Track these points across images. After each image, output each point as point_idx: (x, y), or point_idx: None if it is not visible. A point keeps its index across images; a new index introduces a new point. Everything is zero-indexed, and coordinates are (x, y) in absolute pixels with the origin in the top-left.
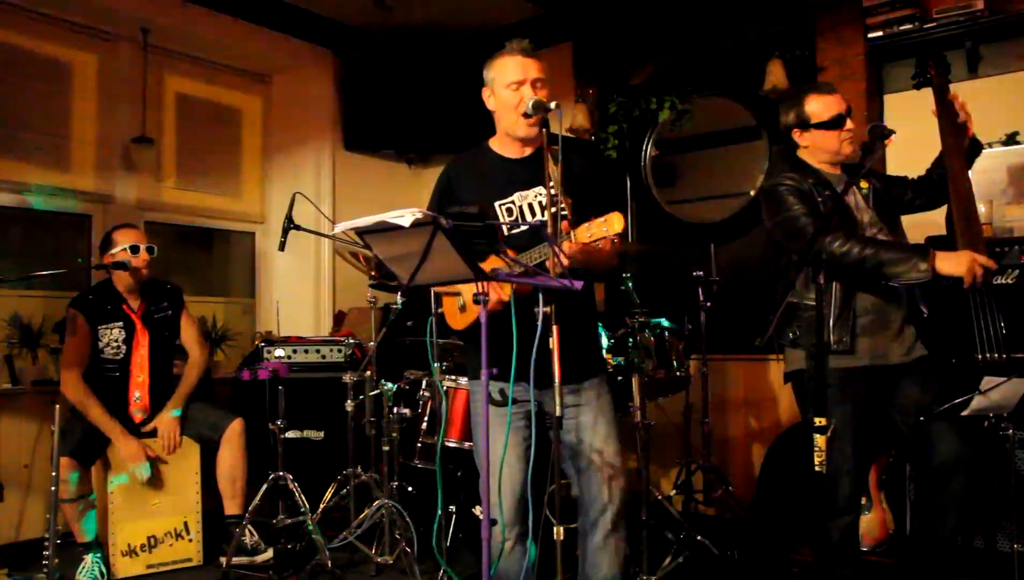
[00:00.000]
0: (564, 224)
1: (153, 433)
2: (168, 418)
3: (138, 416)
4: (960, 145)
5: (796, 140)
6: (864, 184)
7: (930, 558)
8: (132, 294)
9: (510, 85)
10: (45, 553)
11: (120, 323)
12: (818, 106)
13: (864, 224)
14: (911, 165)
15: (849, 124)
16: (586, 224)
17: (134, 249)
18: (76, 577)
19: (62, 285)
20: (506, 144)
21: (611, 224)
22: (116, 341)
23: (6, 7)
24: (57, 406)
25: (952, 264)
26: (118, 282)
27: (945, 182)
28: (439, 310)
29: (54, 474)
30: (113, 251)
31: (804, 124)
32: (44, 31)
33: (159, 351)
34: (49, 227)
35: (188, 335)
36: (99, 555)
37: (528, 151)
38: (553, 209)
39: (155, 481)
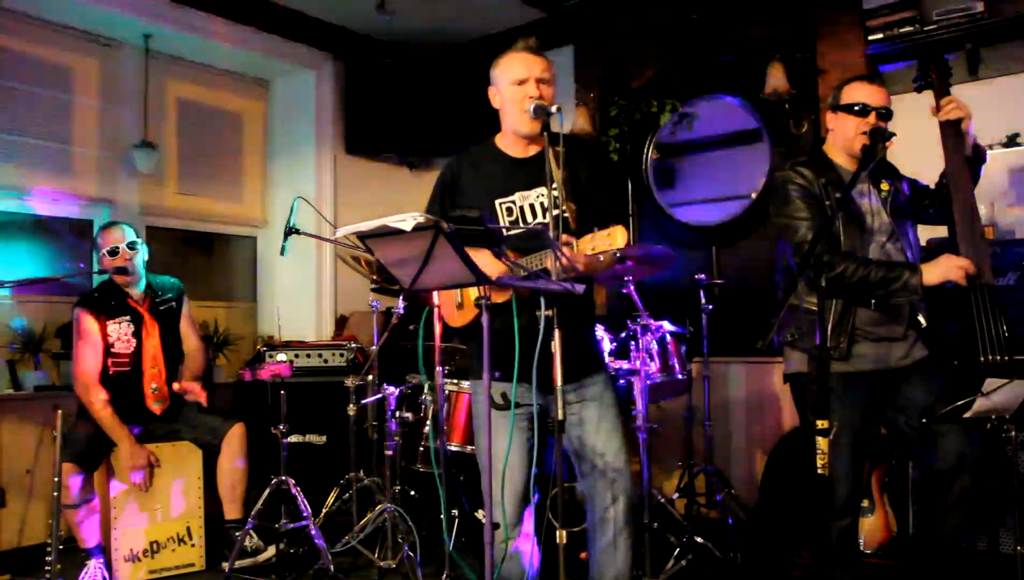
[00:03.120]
0: (564, 236)
1: (155, 437)
2: (195, 386)
3: (157, 407)
4: (960, 147)
5: (827, 123)
6: (885, 186)
7: (934, 559)
8: (134, 289)
9: (514, 82)
10: (48, 558)
11: (128, 317)
12: (853, 90)
13: (873, 230)
14: (911, 167)
15: (871, 118)
16: (589, 236)
17: (112, 252)
18: None
19: (64, 290)
20: (511, 142)
21: (614, 238)
22: (126, 334)
23: (8, 13)
24: (59, 411)
25: (936, 273)
26: (118, 279)
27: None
28: (435, 304)
29: (56, 479)
30: (100, 254)
31: (835, 105)
32: (46, 37)
33: (169, 342)
34: (51, 232)
35: (185, 324)
36: (102, 560)
37: (532, 151)
38: (555, 212)
39: (158, 487)
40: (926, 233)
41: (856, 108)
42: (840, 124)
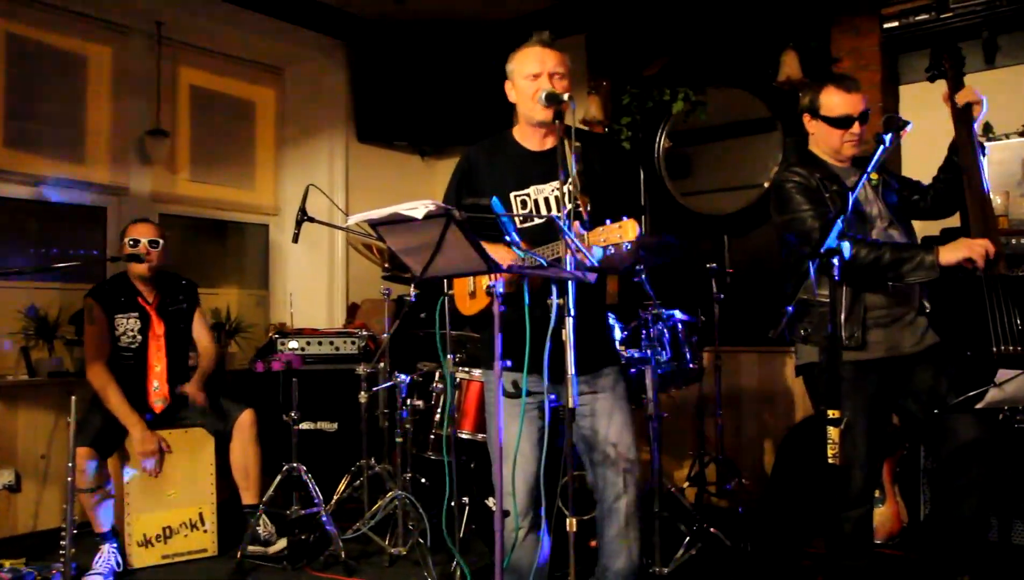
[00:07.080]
0: (575, 224)
1: (168, 424)
2: (195, 389)
3: (159, 406)
4: (973, 138)
5: (805, 125)
6: (875, 175)
7: (951, 545)
8: (146, 286)
9: (528, 77)
10: (62, 543)
11: (135, 314)
12: (831, 100)
13: (873, 217)
14: (926, 157)
15: (856, 128)
16: (601, 228)
17: (133, 242)
18: (92, 567)
19: (78, 277)
20: (527, 134)
21: (625, 231)
22: (132, 331)
23: (22, 0)
24: (73, 397)
25: (954, 252)
26: (131, 273)
27: (950, 192)
28: (449, 292)
29: (71, 464)
30: (123, 243)
31: (814, 112)
32: (59, 24)
33: (175, 341)
34: (64, 219)
35: (200, 329)
36: (115, 545)
37: (548, 144)
38: (569, 205)
39: (170, 473)
40: (939, 223)
41: (839, 120)
42: (822, 131)
